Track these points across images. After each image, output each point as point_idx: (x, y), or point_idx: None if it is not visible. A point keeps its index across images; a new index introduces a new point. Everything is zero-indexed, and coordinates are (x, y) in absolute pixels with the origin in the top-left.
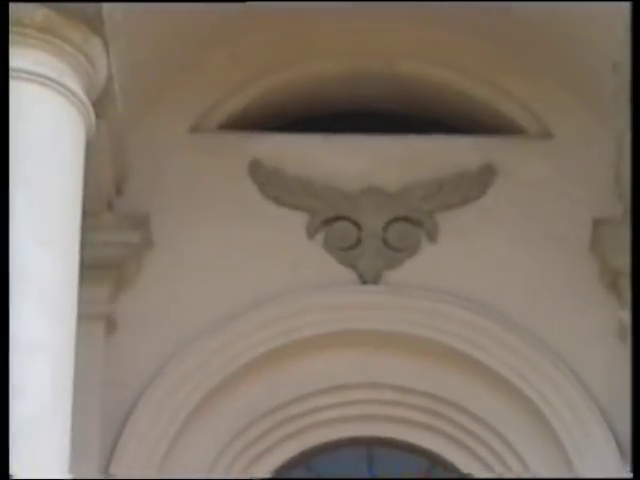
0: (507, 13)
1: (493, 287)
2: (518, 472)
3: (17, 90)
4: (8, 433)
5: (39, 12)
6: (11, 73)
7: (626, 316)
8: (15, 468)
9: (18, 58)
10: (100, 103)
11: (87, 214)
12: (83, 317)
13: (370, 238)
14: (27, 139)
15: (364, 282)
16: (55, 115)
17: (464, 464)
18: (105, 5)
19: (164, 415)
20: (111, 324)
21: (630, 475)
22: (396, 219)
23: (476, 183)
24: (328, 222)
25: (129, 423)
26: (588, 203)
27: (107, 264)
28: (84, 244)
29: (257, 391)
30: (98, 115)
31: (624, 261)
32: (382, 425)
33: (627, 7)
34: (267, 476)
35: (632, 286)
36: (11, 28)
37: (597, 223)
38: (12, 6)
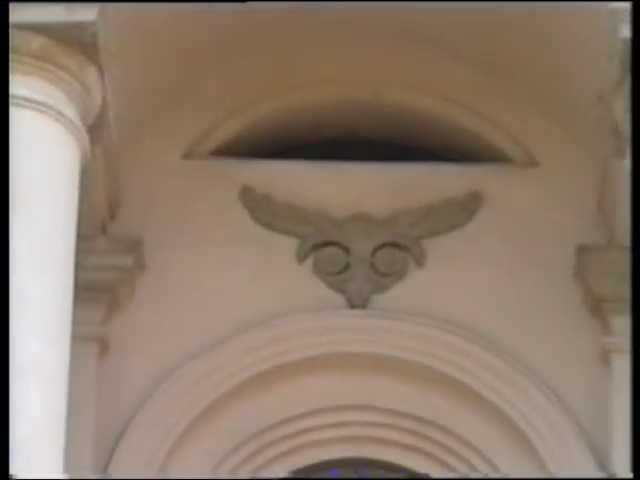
0: (494, 43)
1: (479, 312)
2: None
3: (15, 118)
4: (8, 434)
5: (36, 40)
6: (17, 103)
7: (609, 341)
8: None
9: (15, 85)
10: (95, 129)
11: (81, 238)
12: (77, 338)
13: (358, 263)
14: (23, 165)
15: (352, 306)
16: (51, 141)
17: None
18: (100, 33)
19: (156, 435)
20: (104, 346)
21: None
22: (384, 245)
23: (462, 210)
24: (317, 247)
25: (121, 443)
26: (572, 230)
27: (101, 287)
28: (78, 267)
29: (247, 412)
30: (93, 141)
31: (607, 287)
32: (370, 446)
33: (609, 37)
34: None
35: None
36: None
37: (581, 250)
38: (9, 33)
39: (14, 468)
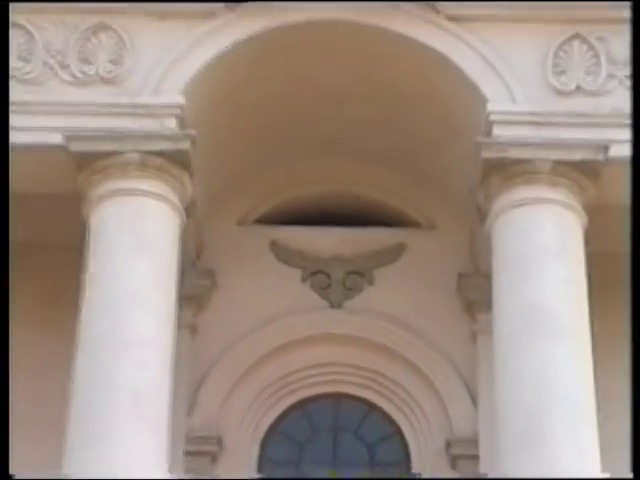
0: (413, 161)
1: (405, 311)
2: (416, 412)
3: (144, 203)
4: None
5: (157, 160)
6: (138, 193)
7: (475, 327)
8: (142, 417)
9: (144, 184)
10: (188, 209)
11: (181, 269)
12: (179, 326)
13: (336, 283)
14: (148, 230)
15: (332, 307)
16: (164, 216)
17: (388, 408)
18: (191, 156)
19: (223, 380)
20: (194, 330)
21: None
22: (350, 272)
23: (393, 253)
24: (313, 274)
25: (203, 385)
26: (455, 265)
27: (192, 296)
28: (180, 286)
29: (272, 367)
30: (187, 215)
31: (474, 297)
32: (343, 386)
33: (476, 157)
34: (282, 411)
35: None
36: (138, 167)
37: (460, 276)
38: (140, 156)
39: (144, 402)
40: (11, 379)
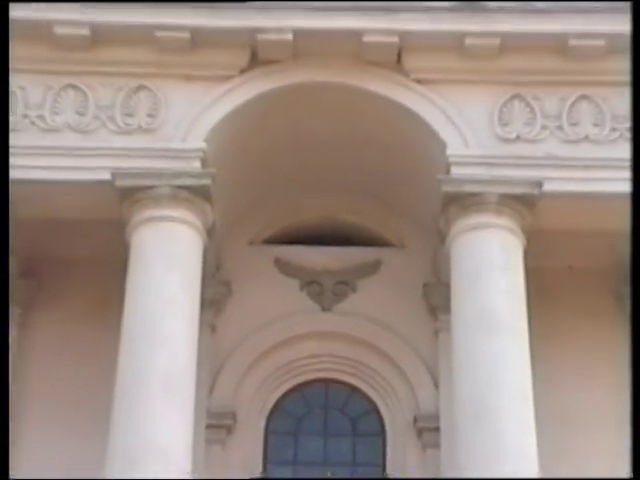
0: (387, 193)
1: (381, 312)
2: (390, 393)
3: (174, 228)
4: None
5: (185, 193)
6: (170, 219)
7: (437, 326)
8: (173, 397)
9: (174, 213)
10: (209, 231)
11: (203, 279)
12: (202, 325)
13: (326, 291)
14: (177, 249)
15: (324, 310)
16: (190, 237)
17: (367, 390)
18: (212, 189)
19: (237, 367)
20: (213, 328)
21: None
22: (338, 282)
23: (372, 267)
24: (309, 284)
25: (221, 371)
26: (422, 276)
27: (212, 302)
28: (202, 292)
29: (277, 357)
30: (208, 236)
31: (437, 301)
32: (332, 373)
33: (439, 190)
34: (283, 392)
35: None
36: (169, 199)
37: (425, 285)
38: (171, 190)
39: (172, 390)
40: (64, 366)
